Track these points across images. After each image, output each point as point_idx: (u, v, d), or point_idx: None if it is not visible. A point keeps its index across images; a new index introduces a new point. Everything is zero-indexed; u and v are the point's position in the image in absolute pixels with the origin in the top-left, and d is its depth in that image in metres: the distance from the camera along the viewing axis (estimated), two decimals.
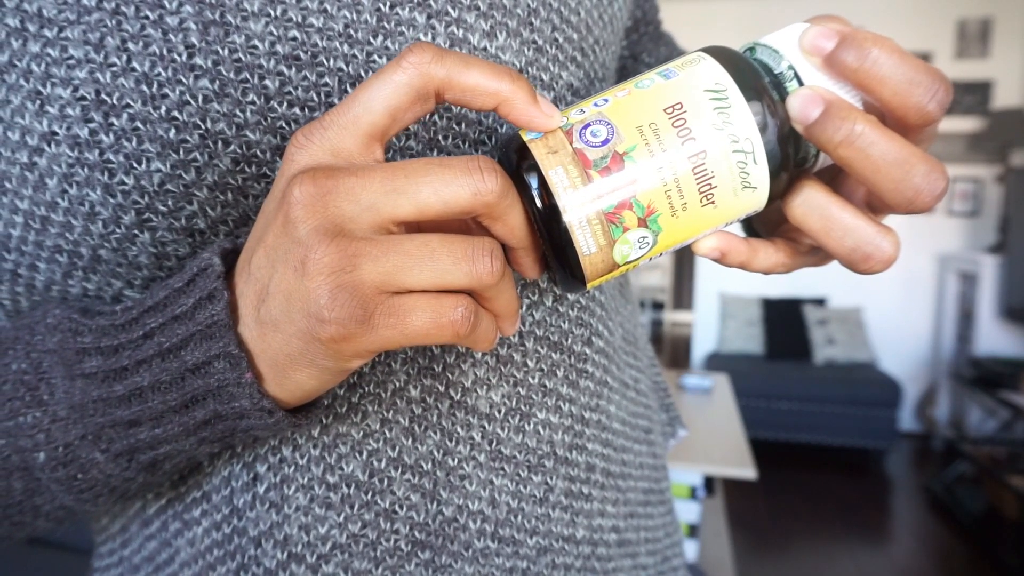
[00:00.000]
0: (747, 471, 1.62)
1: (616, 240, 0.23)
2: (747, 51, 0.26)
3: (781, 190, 0.25)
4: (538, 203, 0.23)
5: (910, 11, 3.65)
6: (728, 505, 2.94)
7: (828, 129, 0.22)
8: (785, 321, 3.80)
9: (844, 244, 0.24)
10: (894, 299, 3.85)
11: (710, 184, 0.23)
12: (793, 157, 0.25)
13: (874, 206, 0.26)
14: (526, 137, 0.24)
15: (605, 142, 0.23)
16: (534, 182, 0.23)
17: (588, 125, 0.23)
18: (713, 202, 0.24)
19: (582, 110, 0.24)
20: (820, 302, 3.88)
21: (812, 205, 0.25)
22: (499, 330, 0.25)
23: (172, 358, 0.23)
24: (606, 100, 0.24)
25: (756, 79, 0.24)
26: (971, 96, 3.64)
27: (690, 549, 1.72)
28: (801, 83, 0.24)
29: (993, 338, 3.42)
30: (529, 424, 0.32)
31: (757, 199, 0.25)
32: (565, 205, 0.23)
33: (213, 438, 0.25)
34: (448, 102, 0.23)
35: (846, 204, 0.24)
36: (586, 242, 0.23)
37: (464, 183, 0.21)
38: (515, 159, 0.24)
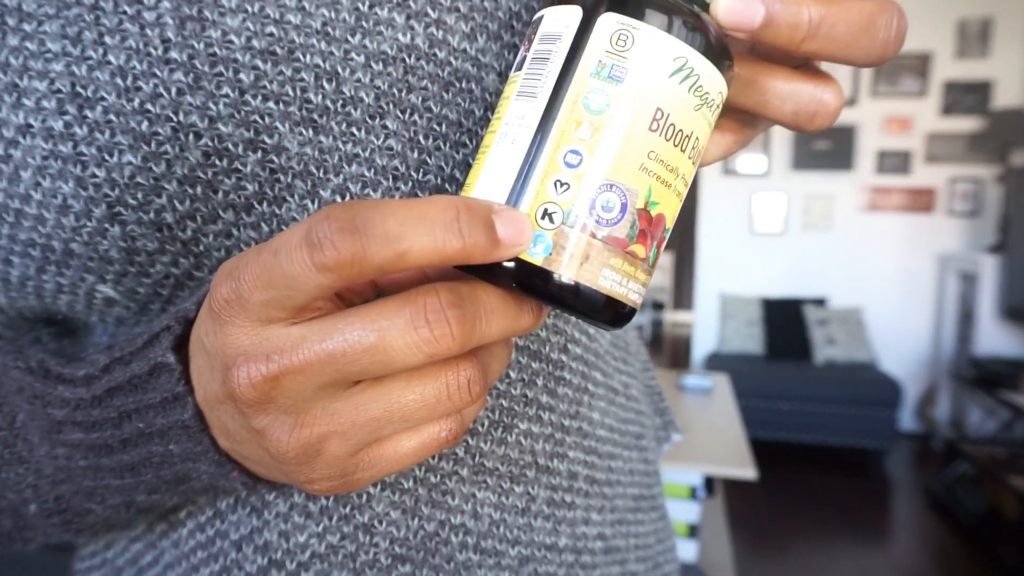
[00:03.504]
0: (747, 471, 1.62)
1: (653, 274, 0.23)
2: None
3: None
4: (594, 317, 0.20)
5: (910, 11, 3.65)
6: (728, 505, 2.93)
7: (784, 30, 0.20)
8: (785, 321, 3.80)
9: (784, 111, 0.23)
10: (894, 299, 3.85)
11: (699, 154, 0.22)
12: (732, 55, 0.22)
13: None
14: (539, 261, 0.19)
15: (623, 208, 0.19)
16: (583, 306, 0.20)
17: (593, 203, 0.19)
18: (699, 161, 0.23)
19: (561, 182, 0.19)
20: (820, 302, 3.87)
21: (741, 83, 0.23)
22: None
23: (157, 443, 0.24)
24: (578, 154, 0.19)
25: (692, 17, 0.20)
26: (971, 96, 3.63)
27: (690, 549, 1.72)
28: None
29: (993, 338, 3.41)
30: (511, 435, 0.32)
31: None
32: (625, 295, 0.20)
33: (216, 494, 0.26)
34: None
35: (774, 69, 0.23)
36: (640, 297, 0.22)
37: (411, 343, 0.18)
38: (548, 291, 0.19)
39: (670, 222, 0.21)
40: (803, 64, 0.24)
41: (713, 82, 0.21)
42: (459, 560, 0.31)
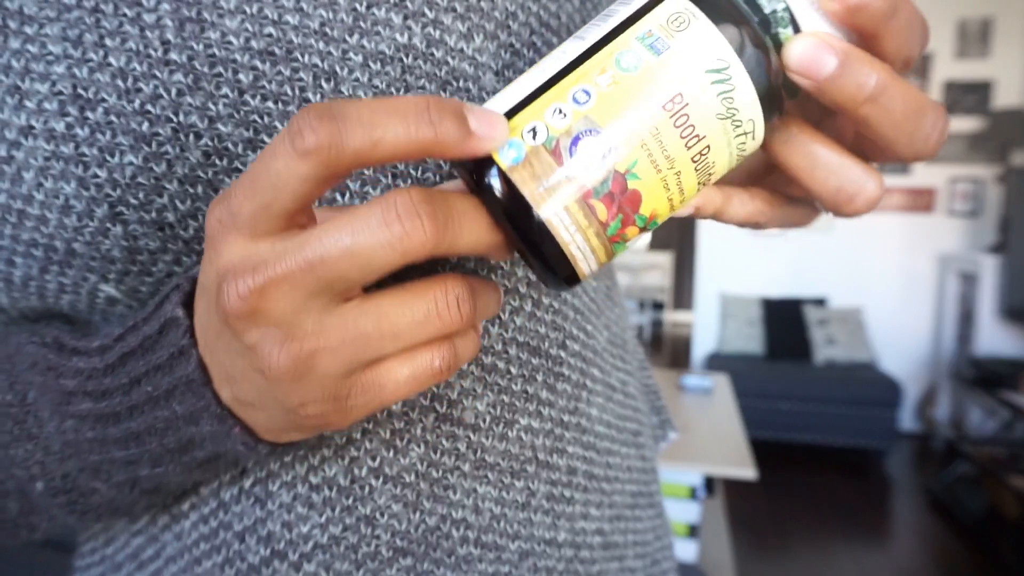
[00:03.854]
0: (747, 471, 1.62)
1: (616, 252, 0.22)
2: None
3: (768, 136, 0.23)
4: (533, 246, 0.20)
5: None
6: (728, 505, 2.93)
7: (848, 86, 0.20)
8: (785, 321, 3.80)
9: (828, 184, 0.23)
10: (894, 299, 3.85)
11: (710, 174, 0.22)
12: (783, 105, 0.22)
13: (864, 150, 0.25)
14: (505, 163, 0.20)
15: (603, 161, 0.20)
16: (526, 225, 0.20)
17: (578, 139, 0.20)
18: (708, 183, 0.22)
19: (560, 110, 0.20)
20: (820, 302, 3.87)
21: (797, 143, 0.23)
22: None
23: (163, 406, 0.24)
24: (588, 94, 0.20)
25: (756, 36, 0.20)
26: (971, 96, 3.63)
27: (690, 549, 1.72)
28: (796, 27, 0.21)
29: (993, 338, 3.41)
30: (512, 431, 0.32)
31: (744, 161, 0.23)
32: (568, 244, 0.20)
33: (216, 470, 0.26)
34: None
35: (831, 142, 0.23)
36: (588, 266, 0.21)
37: (385, 242, 0.18)
38: (492, 191, 0.20)
39: (646, 209, 0.21)
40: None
41: (748, 106, 0.21)
42: (460, 554, 0.31)
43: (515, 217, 0.20)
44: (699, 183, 0.22)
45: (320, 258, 0.18)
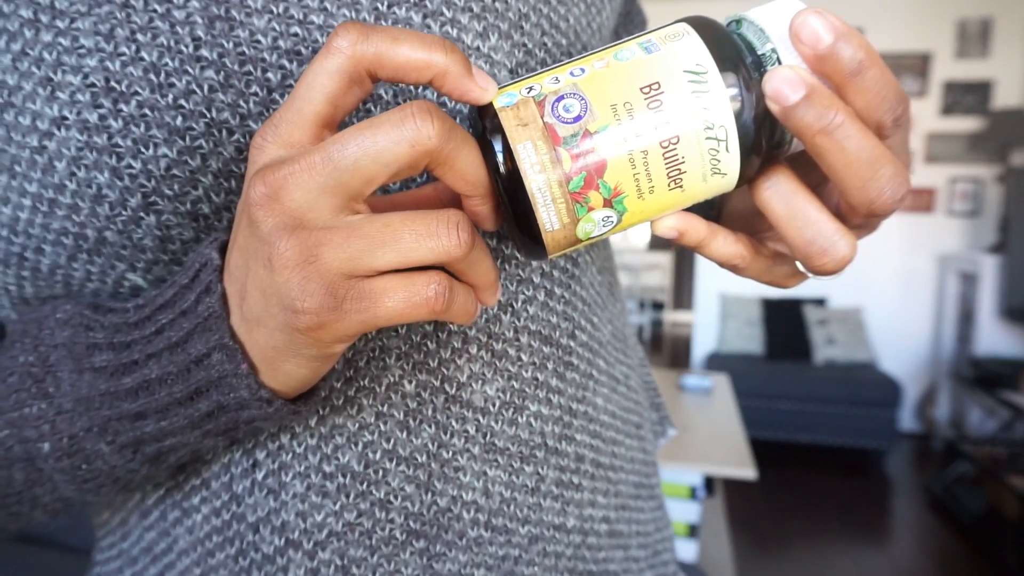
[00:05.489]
0: (747, 471, 1.63)
1: (580, 219, 0.23)
2: (733, 23, 0.25)
3: (752, 174, 0.25)
4: (503, 180, 0.23)
5: (910, 11, 3.65)
6: (728, 505, 2.94)
7: (808, 115, 0.22)
8: (785, 321, 3.80)
9: (803, 235, 0.24)
10: (894, 299, 3.85)
11: (680, 169, 0.23)
12: (767, 141, 0.24)
13: (842, 214, 0.26)
14: (497, 104, 0.23)
15: (577, 119, 0.22)
16: (500, 155, 0.23)
17: (561, 98, 0.23)
18: (681, 186, 0.24)
19: (557, 78, 0.23)
20: (820, 302, 3.88)
21: (780, 190, 0.25)
22: (479, 301, 0.25)
23: (179, 351, 0.24)
24: (583, 70, 0.23)
25: (737, 60, 0.23)
26: (971, 96, 3.64)
27: (690, 549, 1.72)
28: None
29: (993, 338, 3.42)
30: (522, 417, 0.33)
31: (726, 184, 0.25)
32: (531, 182, 0.22)
33: (217, 431, 0.26)
34: (384, 80, 0.23)
35: (814, 198, 0.24)
36: (549, 219, 0.23)
37: (398, 137, 0.20)
38: (481, 126, 0.23)
39: (611, 178, 0.23)
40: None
41: (720, 112, 0.23)
42: (471, 536, 0.32)
43: (491, 148, 0.23)
44: (668, 177, 0.23)
45: (338, 149, 0.20)
